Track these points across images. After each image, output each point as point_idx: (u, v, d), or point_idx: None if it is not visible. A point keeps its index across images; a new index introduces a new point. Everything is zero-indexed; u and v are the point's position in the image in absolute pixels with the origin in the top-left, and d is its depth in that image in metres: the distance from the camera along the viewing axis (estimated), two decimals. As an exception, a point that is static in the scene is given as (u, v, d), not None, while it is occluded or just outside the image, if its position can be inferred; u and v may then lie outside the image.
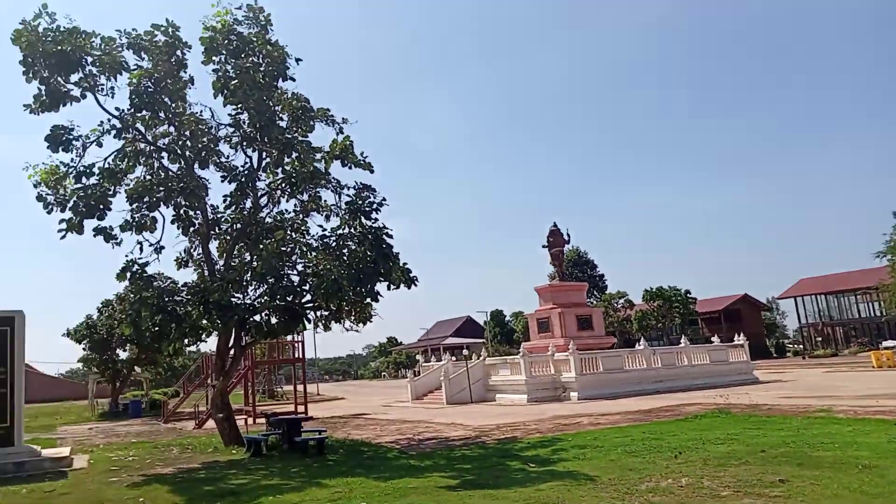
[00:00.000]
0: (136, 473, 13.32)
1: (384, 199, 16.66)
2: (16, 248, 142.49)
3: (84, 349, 37.31)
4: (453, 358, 36.87)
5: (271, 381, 45.95)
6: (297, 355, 29.53)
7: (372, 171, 17.90)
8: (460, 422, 21.06)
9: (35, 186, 15.27)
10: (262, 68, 16.43)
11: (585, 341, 31.85)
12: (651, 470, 10.20)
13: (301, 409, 27.49)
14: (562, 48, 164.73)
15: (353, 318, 17.54)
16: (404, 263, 16.56)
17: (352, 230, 16.84)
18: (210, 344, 22.50)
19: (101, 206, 15.45)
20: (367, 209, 16.50)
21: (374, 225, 16.39)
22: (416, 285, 16.91)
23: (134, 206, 16.46)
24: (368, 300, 16.26)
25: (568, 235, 37.60)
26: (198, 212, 17.22)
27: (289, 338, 27.07)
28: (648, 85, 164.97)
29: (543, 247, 37.62)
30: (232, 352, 17.47)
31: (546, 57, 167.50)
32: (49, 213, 15.29)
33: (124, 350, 36.80)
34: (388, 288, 16.36)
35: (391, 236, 16.27)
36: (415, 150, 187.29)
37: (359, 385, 72.04)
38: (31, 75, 15.09)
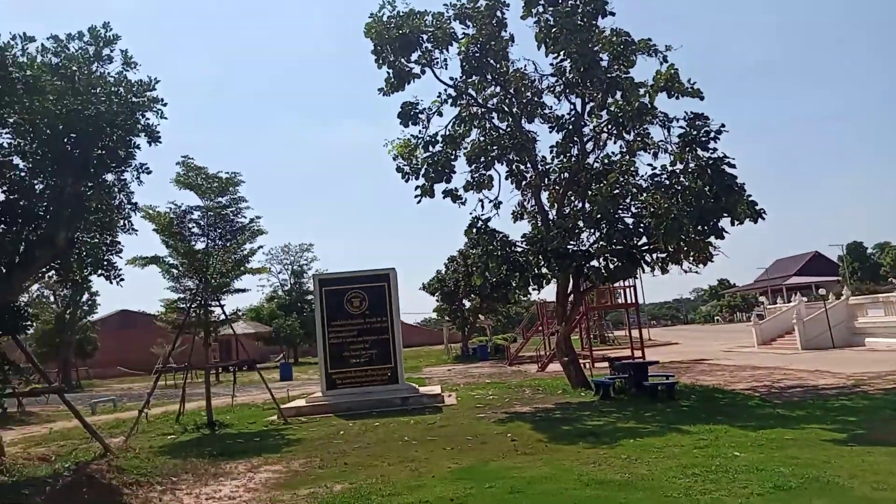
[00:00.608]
0: (499, 411, 14.53)
1: (723, 126, 15.14)
2: (379, 215, 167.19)
3: (437, 300, 42.39)
4: (804, 299, 32.81)
5: (601, 327, 46.53)
6: (628, 300, 29.25)
7: (702, 98, 16.52)
8: (826, 369, 18.64)
9: (394, 159, 17.40)
10: (579, 10, 16.13)
11: None
12: None
13: (637, 353, 27.22)
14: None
15: (691, 258, 16.50)
16: (748, 195, 15.00)
17: (686, 164, 15.76)
18: (543, 293, 23.48)
19: (447, 171, 17.02)
20: (703, 139, 15.21)
21: (712, 156, 15.07)
22: (763, 219, 15.29)
23: (472, 166, 17.77)
24: (711, 238, 15.12)
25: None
26: (528, 165, 17.84)
27: (618, 283, 26.87)
28: None
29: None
30: (571, 298, 17.92)
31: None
32: (406, 181, 17.32)
33: (469, 300, 40.76)
34: (732, 223, 15.04)
35: (734, 166, 14.79)
36: (735, 67, 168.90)
37: (690, 330, 68.95)
38: (380, 62, 17.05)
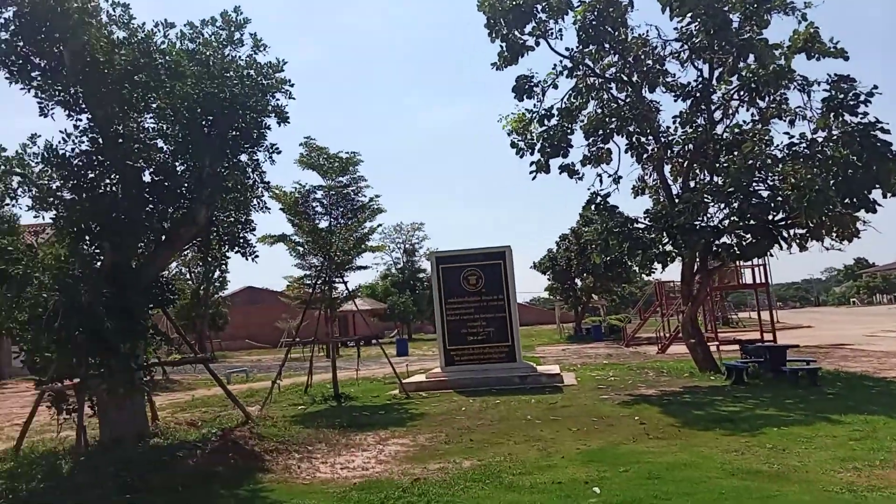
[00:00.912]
0: (623, 392, 14.06)
1: (875, 88, 13.72)
2: (493, 191, 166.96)
3: (548, 279, 41.82)
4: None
5: (724, 308, 44.15)
6: (756, 280, 27.52)
7: (847, 59, 15.12)
8: None
9: (508, 135, 17.05)
10: (711, -35, 15.04)
11: None
12: None
13: (767, 336, 25.56)
14: None
15: (835, 234, 15.14)
16: (905, 164, 13.53)
17: (829, 131, 14.43)
18: (660, 272, 22.40)
19: (564, 145, 16.48)
20: (851, 103, 13.84)
21: (861, 121, 13.70)
22: (918, 189, 13.76)
23: (590, 140, 17.12)
24: (860, 212, 13.79)
25: None
26: (650, 137, 17.01)
27: (743, 262, 25.23)
28: None
29: None
30: (697, 277, 17.01)
31: None
32: (521, 157, 16.92)
33: (581, 279, 39.88)
34: (885, 196, 13.66)
35: (888, 131, 13.37)
36: (866, 22, 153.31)
37: (822, 312, 64.30)
38: (493, 35, 16.71)
